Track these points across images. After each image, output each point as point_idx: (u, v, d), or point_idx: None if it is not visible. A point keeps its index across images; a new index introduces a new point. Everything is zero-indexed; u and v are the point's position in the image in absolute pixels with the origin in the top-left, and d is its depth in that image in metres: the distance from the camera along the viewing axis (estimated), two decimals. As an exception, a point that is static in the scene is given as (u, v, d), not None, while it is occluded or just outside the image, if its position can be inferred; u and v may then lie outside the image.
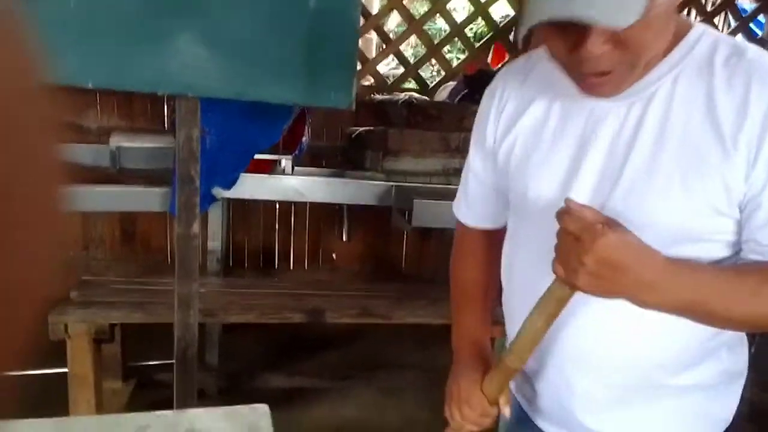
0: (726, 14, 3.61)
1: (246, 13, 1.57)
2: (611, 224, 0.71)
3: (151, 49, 1.50)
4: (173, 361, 2.71)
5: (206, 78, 1.56)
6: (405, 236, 3.44)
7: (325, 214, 3.38)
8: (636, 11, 0.63)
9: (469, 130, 2.74)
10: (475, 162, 1.03)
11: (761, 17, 3.53)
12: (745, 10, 3.64)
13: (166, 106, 3.07)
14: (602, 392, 0.88)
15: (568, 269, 0.72)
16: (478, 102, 2.83)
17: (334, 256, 3.49)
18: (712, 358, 0.87)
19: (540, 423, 1.00)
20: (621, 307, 0.75)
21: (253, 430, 1.13)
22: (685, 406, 0.89)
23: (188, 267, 1.62)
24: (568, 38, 0.69)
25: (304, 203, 3.23)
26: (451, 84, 2.84)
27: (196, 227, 1.62)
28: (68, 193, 0.27)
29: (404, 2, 3.12)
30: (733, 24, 3.60)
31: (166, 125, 3.07)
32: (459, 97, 2.64)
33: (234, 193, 2.40)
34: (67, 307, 1.98)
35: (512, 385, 1.04)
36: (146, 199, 2.49)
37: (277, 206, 3.37)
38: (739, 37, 3.60)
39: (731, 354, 0.90)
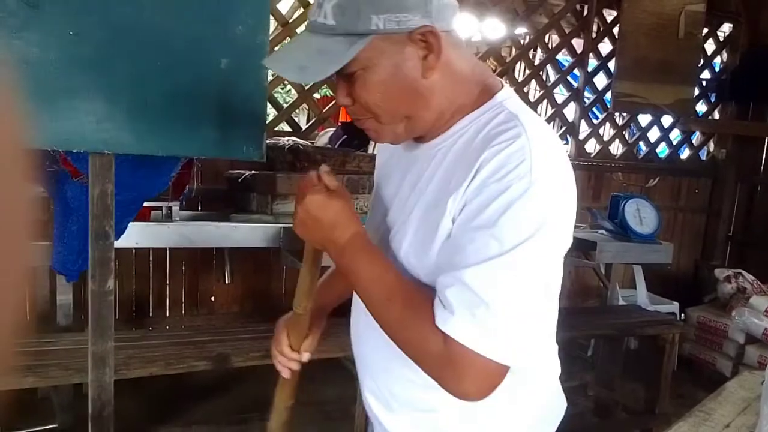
0: (547, 68, 4.23)
1: (161, 71, 1.62)
2: (334, 190, 0.85)
3: (66, 108, 1.50)
4: (51, 426, 2.52)
5: (121, 135, 1.58)
6: (284, 274, 3.51)
7: (203, 257, 3.35)
8: (317, 74, 0.79)
9: (351, 173, 2.91)
10: None
11: (577, 71, 4.19)
12: (563, 65, 4.29)
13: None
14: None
15: (294, 218, 0.88)
16: (356, 147, 3.04)
17: (212, 298, 3.45)
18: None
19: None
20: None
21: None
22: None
23: (104, 324, 1.59)
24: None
25: (179, 248, 3.18)
26: (331, 130, 3.03)
27: (110, 283, 1.60)
28: (30, 248, 0.28)
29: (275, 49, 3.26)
30: (554, 77, 4.22)
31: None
32: (339, 142, 2.83)
33: (121, 242, 2.33)
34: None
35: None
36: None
37: (151, 252, 3.27)
38: (560, 87, 4.24)
39: None
